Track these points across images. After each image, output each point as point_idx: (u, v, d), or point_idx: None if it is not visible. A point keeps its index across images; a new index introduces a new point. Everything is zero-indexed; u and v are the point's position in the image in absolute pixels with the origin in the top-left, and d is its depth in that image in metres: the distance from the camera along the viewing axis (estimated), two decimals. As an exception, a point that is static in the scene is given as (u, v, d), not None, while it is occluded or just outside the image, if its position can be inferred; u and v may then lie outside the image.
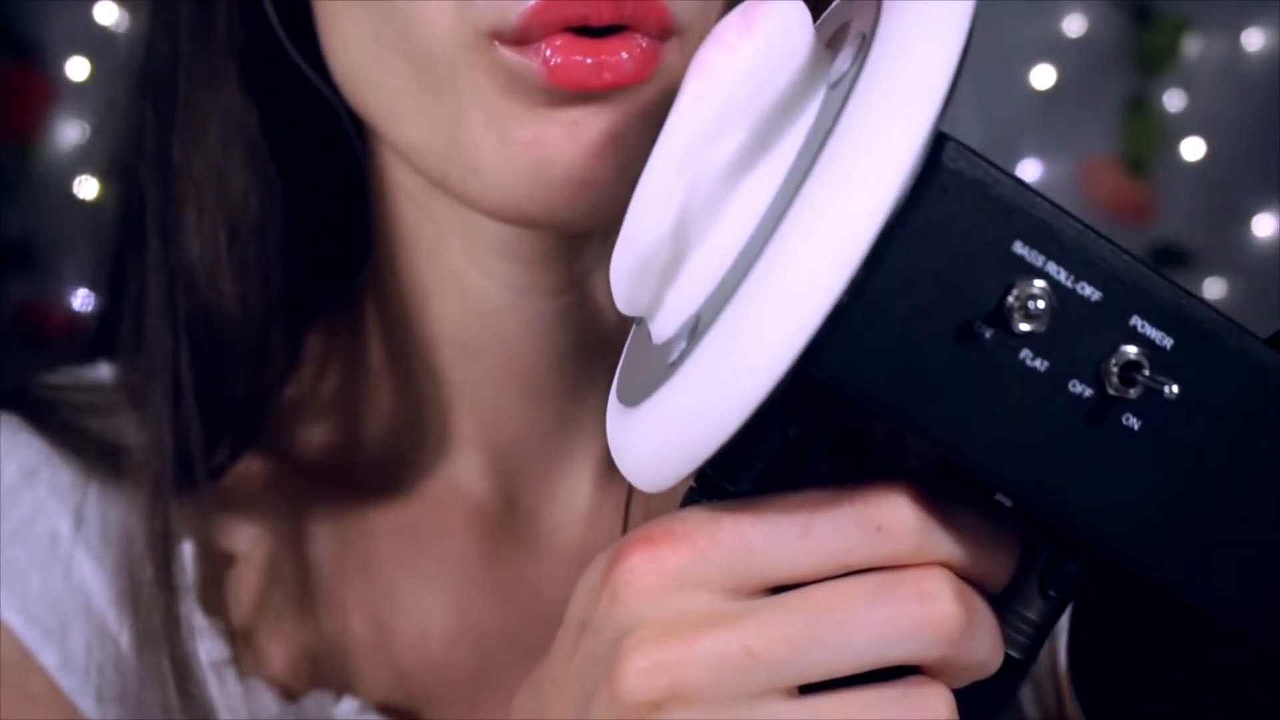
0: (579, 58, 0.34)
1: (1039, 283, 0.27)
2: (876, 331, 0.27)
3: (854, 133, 0.26)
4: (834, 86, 0.28)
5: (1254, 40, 1.79)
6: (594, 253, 0.44)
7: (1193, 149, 1.79)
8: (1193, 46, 1.79)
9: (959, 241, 0.27)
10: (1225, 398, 0.28)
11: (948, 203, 0.27)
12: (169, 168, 0.44)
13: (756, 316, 0.26)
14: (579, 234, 0.42)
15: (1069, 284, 0.27)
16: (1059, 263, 0.27)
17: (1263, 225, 1.79)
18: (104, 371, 0.48)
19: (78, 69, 1.81)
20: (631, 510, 0.44)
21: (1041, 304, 0.27)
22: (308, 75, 0.44)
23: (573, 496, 0.48)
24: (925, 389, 0.27)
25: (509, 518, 0.48)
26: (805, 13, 0.29)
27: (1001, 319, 0.27)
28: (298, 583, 0.46)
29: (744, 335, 0.26)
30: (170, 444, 0.43)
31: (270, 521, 0.46)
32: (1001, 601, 0.31)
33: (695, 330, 0.28)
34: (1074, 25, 1.78)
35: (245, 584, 0.45)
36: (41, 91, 1.81)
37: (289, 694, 0.45)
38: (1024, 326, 0.27)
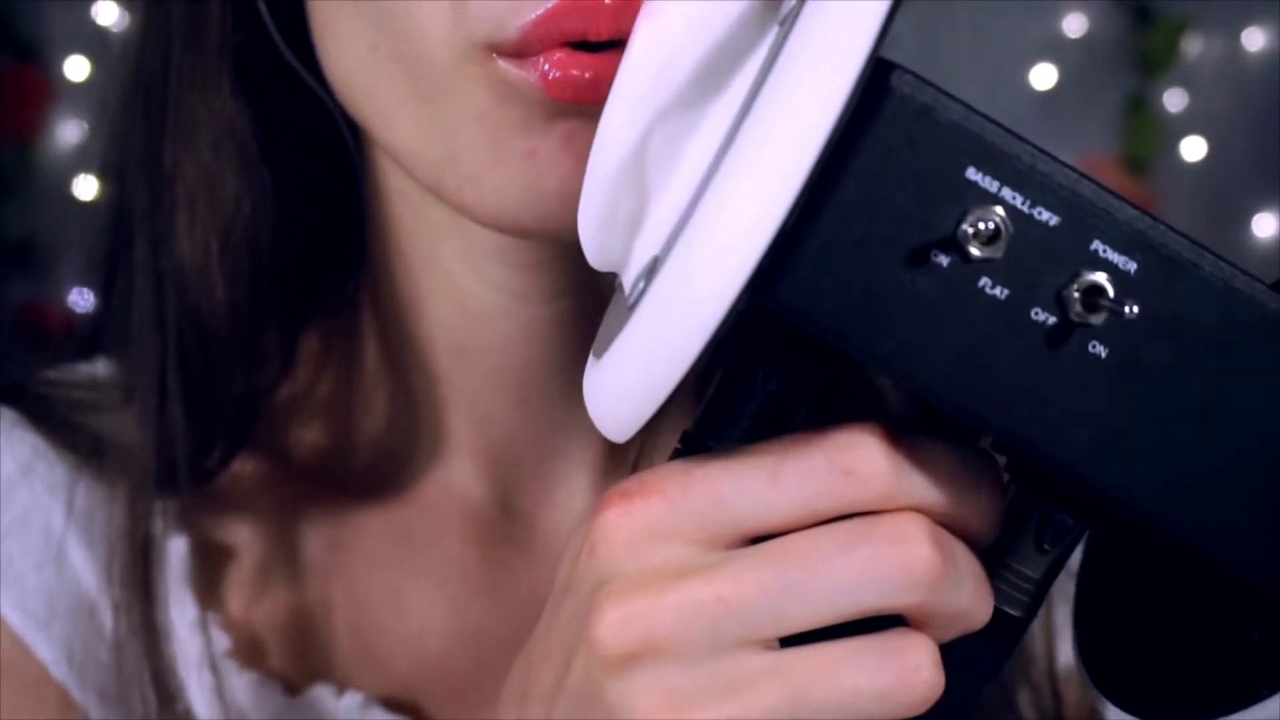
0: (576, 72, 0.34)
1: (995, 209, 0.26)
2: (829, 261, 0.26)
3: (792, 62, 0.26)
4: (782, 23, 0.28)
5: (1254, 40, 1.79)
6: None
7: (1193, 149, 1.79)
8: (1193, 46, 1.79)
9: (911, 168, 0.26)
10: (1194, 321, 0.27)
11: (897, 129, 0.26)
12: (160, 171, 0.44)
13: (702, 248, 0.26)
14: (574, 241, 0.43)
15: (1025, 209, 0.26)
16: (1014, 188, 0.26)
17: (1263, 225, 1.79)
18: (102, 368, 0.48)
19: (77, 69, 1.81)
20: None
21: (998, 230, 0.26)
22: (303, 79, 0.44)
23: (568, 499, 0.48)
24: (883, 320, 0.27)
25: (504, 520, 0.48)
26: None
27: (957, 246, 0.26)
28: (291, 581, 0.46)
29: (691, 268, 0.26)
30: (154, 443, 0.44)
31: (264, 521, 0.46)
32: (997, 559, 0.31)
33: (652, 271, 0.28)
34: (1074, 25, 1.78)
35: (241, 581, 0.46)
36: (41, 91, 1.81)
37: (291, 688, 0.45)
38: (980, 253, 0.26)
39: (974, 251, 0.26)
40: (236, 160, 0.44)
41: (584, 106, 0.35)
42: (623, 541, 0.29)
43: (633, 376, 0.28)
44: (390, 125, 0.38)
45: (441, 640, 0.47)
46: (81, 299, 1.88)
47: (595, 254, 0.31)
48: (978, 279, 0.27)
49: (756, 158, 0.25)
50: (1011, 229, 0.26)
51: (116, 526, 0.44)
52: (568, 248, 0.42)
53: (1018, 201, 0.26)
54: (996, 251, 0.26)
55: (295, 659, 0.45)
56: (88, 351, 0.48)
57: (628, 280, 0.31)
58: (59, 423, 0.46)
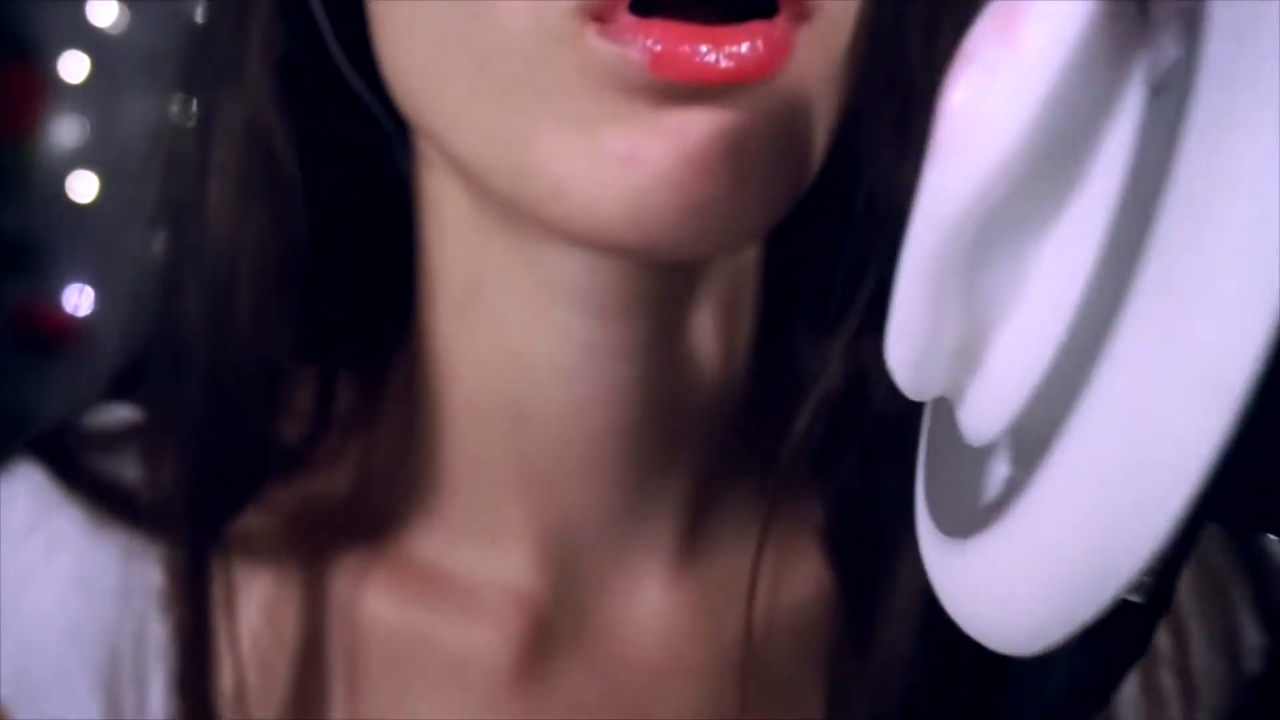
0: (688, 46, 0.28)
1: None
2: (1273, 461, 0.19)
3: (1218, 178, 0.17)
4: (1158, 90, 0.20)
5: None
6: (689, 298, 0.36)
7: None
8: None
9: None
10: None
11: None
12: (196, 199, 0.39)
13: (1117, 459, 0.18)
14: (681, 265, 0.36)
15: None
16: None
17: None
18: (124, 412, 0.43)
19: (73, 67, 1.81)
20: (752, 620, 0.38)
21: None
22: (356, 89, 0.38)
23: (635, 594, 0.40)
24: None
25: (554, 615, 0.40)
26: None
27: None
28: (278, 670, 0.39)
29: (1104, 485, 0.18)
30: (170, 491, 0.39)
31: (267, 591, 0.40)
32: None
33: (1021, 451, 0.20)
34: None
35: (225, 661, 0.39)
36: (36, 90, 1.81)
37: None
38: None
39: None
40: (270, 184, 0.38)
41: (700, 87, 0.28)
42: None
43: (1026, 601, 0.20)
44: (458, 128, 0.32)
45: None
46: (77, 298, 1.88)
47: (913, 390, 0.24)
48: None
49: (1187, 354, 0.17)
50: None
51: (135, 579, 0.40)
52: (662, 287, 0.35)
53: None
54: None
55: None
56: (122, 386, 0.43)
57: (970, 424, 0.23)
58: (79, 472, 0.41)
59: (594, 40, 0.28)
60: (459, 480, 0.40)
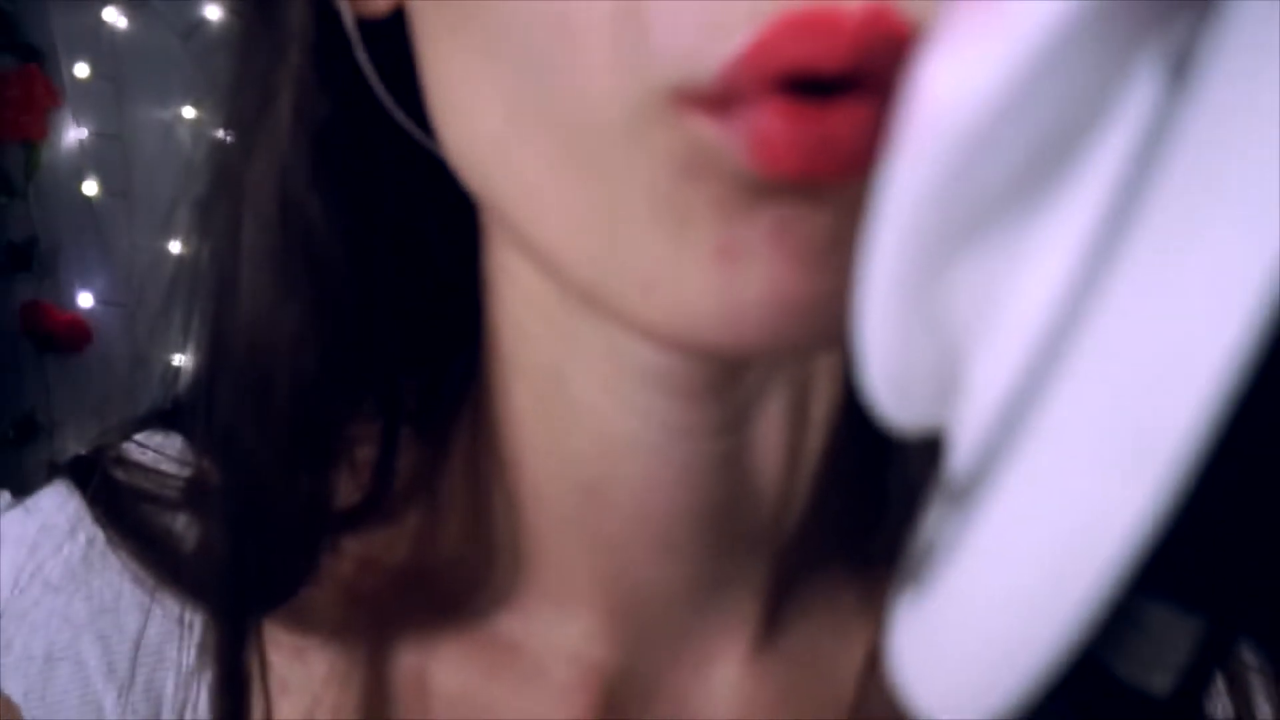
0: (799, 131, 0.24)
1: None
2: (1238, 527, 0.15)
3: (1217, 172, 0.14)
4: (1180, 71, 0.16)
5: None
6: (778, 373, 0.35)
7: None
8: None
9: None
10: None
11: None
12: (231, 280, 0.36)
13: (1031, 523, 0.15)
14: (767, 362, 0.34)
15: None
16: None
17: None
18: (175, 445, 0.40)
19: (83, 71, 1.83)
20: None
21: None
22: (418, 160, 0.35)
23: (708, 671, 0.39)
24: None
25: (622, 689, 0.39)
26: None
27: None
28: None
29: (1019, 542, 0.15)
30: (230, 557, 0.37)
31: (319, 661, 0.38)
32: None
33: (967, 492, 0.18)
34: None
35: None
36: (47, 93, 1.83)
37: None
38: None
39: None
40: (309, 268, 0.36)
41: (806, 181, 0.25)
42: None
43: (949, 662, 0.17)
44: (535, 215, 0.29)
45: None
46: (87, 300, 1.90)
47: (898, 421, 0.21)
48: None
49: (1140, 368, 0.14)
50: None
51: (199, 654, 0.38)
52: (750, 368, 0.34)
53: None
54: None
55: None
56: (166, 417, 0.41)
57: (954, 456, 0.19)
58: (130, 519, 0.39)
59: (691, 119, 0.25)
60: (529, 553, 0.38)
